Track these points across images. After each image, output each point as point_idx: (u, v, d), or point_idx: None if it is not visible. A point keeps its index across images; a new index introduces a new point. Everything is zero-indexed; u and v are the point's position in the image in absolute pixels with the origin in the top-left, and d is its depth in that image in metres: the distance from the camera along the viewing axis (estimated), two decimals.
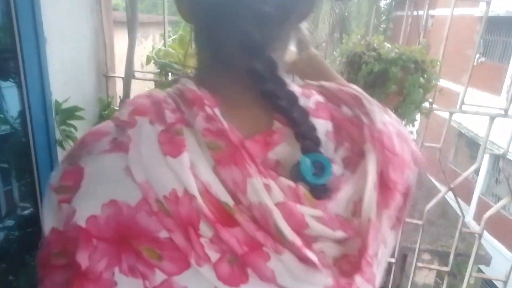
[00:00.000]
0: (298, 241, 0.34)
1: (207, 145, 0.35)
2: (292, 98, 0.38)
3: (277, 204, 0.34)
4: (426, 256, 4.20)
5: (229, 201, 0.34)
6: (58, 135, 1.29)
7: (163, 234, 0.34)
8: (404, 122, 1.22)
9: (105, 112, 1.47)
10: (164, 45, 1.45)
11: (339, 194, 0.37)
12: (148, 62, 1.37)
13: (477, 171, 9.39)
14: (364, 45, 1.15)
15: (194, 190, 0.33)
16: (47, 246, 0.38)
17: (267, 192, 0.34)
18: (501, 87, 8.34)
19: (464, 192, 8.92)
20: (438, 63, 1.16)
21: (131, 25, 1.40)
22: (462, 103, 1.30)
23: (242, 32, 0.35)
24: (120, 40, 1.61)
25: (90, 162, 0.37)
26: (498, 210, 1.42)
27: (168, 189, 0.33)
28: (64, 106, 1.30)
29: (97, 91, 1.49)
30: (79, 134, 1.35)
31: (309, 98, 0.40)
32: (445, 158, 8.85)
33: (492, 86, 8.35)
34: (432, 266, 2.24)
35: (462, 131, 8.91)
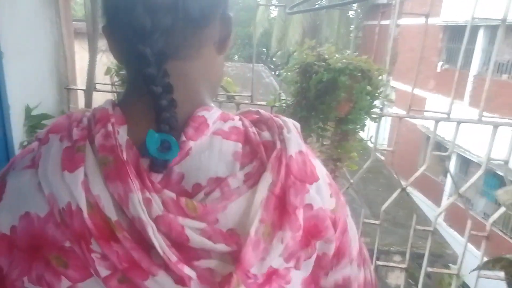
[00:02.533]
0: (173, 257, 0.36)
1: (100, 161, 0.37)
2: (168, 88, 0.39)
3: (156, 218, 0.36)
4: (397, 258, 4.33)
5: (113, 216, 0.36)
6: (24, 139, 1.29)
7: (68, 244, 0.37)
8: (357, 128, 1.30)
9: None
10: None
11: (229, 204, 0.38)
12: (108, 73, 1.39)
13: (446, 174, 9.74)
14: (315, 55, 1.22)
15: (83, 204, 0.36)
16: None
17: (147, 206, 0.36)
18: (464, 92, 8.76)
19: (435, 194, 9.24)
20: (383, 71, 1.24)
21: (92, 37, 1.42)
22: (410, 109, 1.39)
23: (134, 19, 0.37)
24: (82, 51, 1.62)
25: (12, 177, 0.41)
26: (468, 212, 1.50)
27: (65, 202, 0.36)
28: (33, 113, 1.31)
29: (59, 104, 1.49)
30: None
31: (225, 122, 0.42)
32: (415, 162, 9.15)
33: (456, 92, 8.76)
34: (391, 264, 2.32)
35: (430, 135, 9.25)
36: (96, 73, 1.49)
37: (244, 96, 1.49)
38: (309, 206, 0.41)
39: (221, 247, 0.37)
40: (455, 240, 7.13)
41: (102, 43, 1.50)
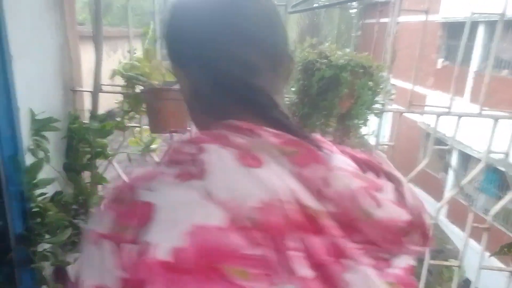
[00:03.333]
0: (387, 220, 0.38)
1: (283, 153, 0.37)
2: (285, 115, 0.43)
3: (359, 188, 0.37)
4: None
5: (313, 204, 0.35)
6: (29, 144, 1.31)
7: (252, 250, 0.32)
8: (359, 123, 1.32)
9: (74, 125, 1.50)
10: (130, 58, 1.49)
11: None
12: (113, 75, 1.42)
13: (446, 170, 9.76)
14: (316, 53, 1.24)
15: (284, 196, 0.34)
16: None
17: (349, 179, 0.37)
18: (464, 89, 8.77)
19: (435, 191, 9.25)
20: (384, 68, 1.26)
21: (97, 39, 1.44)
22: (410, 104, 1.42)
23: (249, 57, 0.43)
24: (87, 54, 1.64)
25: (160, 196, 0.35)
26: (469, 208, 1.52)
27: (256, 199, 0.33)
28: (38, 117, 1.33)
29: (65, 106, 1.52)
30: (50, 146, 1.37)
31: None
32: (415, 159, 9.16)
33: (456, 88, 8.77)
34: None
35: (430, 132, 9.26)
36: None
37: None
38: None
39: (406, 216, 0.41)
40: (456, 236, 7.14)
41: (105, 45, 1.53)
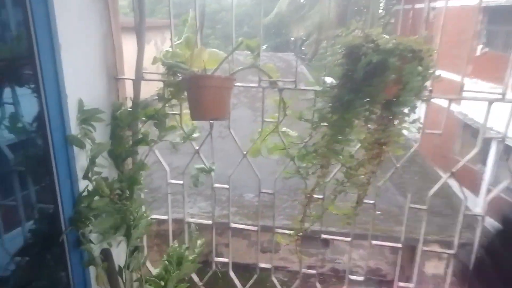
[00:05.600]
0: None
1: None
2: None
3: None
4: (435, 247, 4.22)
5: None
6: (76, 132, 1.35)
7: None
8: (406, 110, 1.27)
9: (118, 113, 1.54)
10: (171, 46, 1.51)
11: None
12: (154, 62, 1.43)
13: (484, 162, 9.34)
14: (362, 37, 1.20)
15: None
16: None
17: None
18: (505, 77, 8.31)
19: (473, 184, 8.89)
20: (435, 51, 1.20)
21: (140, 28, 1.46)
22: (462, 90, 1.35)
23: None
24: (126, 45, 1.67)
25: None
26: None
27: None
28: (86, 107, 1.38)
29: (108, 93, 1.56)
30: (97, 134, 1.41)
31: None
32: (452, 149, 8.82)
33: (496, 76, 8.33)
34: (437, 249, 2.28)
35: (468, 122, 8.88)
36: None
37: (287, 82, 1.49)
38: None
39: None
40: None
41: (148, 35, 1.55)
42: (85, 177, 1.37)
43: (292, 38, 16.87)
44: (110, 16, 1.48)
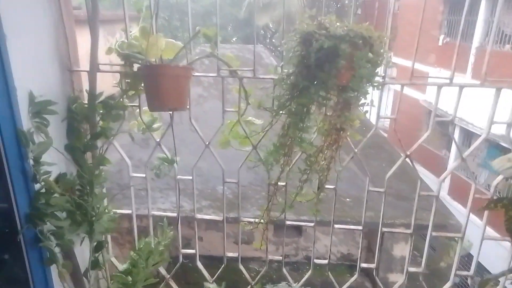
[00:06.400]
0: None
1: None
2: None
3: None
4: (401, 230, 4.39)
5: None
6: (29, 126, 1.30)
7: None
8: (358, 95, 1.31)
9: (74, 106, 1.49)
10: (126, 37, 1.47)
11: None
12: (109, 52, 1.40)
13: (449, 148, 9.73)
14: (316, 24, 1.22)
15: None
16: None
17: None
18: (466, 65, 8.67)
19: (438, 168, 9.28)
20: (385, 37, 1.24)
21: (93, 17, 1.42)
22: (412, 75, 1.40)
23: None
24: (85, 38, 1.61)
25: None
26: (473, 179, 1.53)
27: None
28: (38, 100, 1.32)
29: (63, 86, 1.51)
30: (53, 129, 1.37)
31: None
32: (418, 137, 9.15)
33: (458, 65, 8.69)
34: (396, 230, 2.38)
35: (432, 109, 9.22)
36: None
37: (246, 71, 1.50)
38: None
39: None
40: (459, 212, 7.20)
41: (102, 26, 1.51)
42: (34, 179, 1.32)
43: (262, 31, 16.84)
44: (60, 4, 1.43)
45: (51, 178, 1.38)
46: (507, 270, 1.43)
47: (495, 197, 1.38)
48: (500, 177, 1.46)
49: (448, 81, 1.38)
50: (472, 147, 1.46)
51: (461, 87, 1.38)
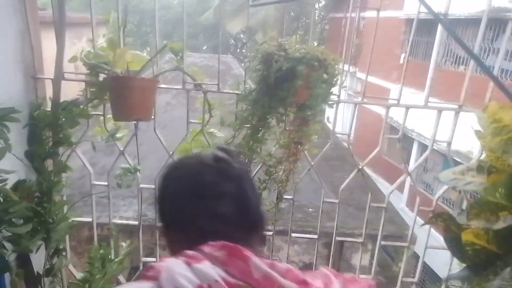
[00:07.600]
0: None
1: (215, 257, 0.60)
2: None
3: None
4: (355, 239, 4.54)
5: (235, 281, 0.57)
6: None
7: None
8: (313, 113, 1.40)
9: (37, 113, 1.49)
10: (93, 47, 1.50)
11: None
12: (73, 61, 1.42)
13: (408, 162, 10.19)
14: (276, 45, 1.31)
15: (215, 277, 0.56)
16: None
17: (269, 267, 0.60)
18: (425, 83, 9.18)
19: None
20: (339, 60, 1.35)
21: (59, 25, 1.43)
22: (364, 95, 1.52)
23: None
24: (50, 41, 1.61)
25: None
26: (417, 191, 1.66)
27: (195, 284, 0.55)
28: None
29: (26, 93, 1.50)
30: (11, 135, 1.36)
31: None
32: (381, 151, 9.53)
33: (418, 83, 9.19)
34: (349, 239, 2.50)
35: (394, 125, 9.68)
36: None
37: (211, 85, 1.56)
38: None
39: None
40: (416, 224, 7.55)
41: (69, 32, 1.52)
42: None
43: (232, 41, 16.96)
44: (26, 11, 1.43)
45: (10, 185, 1.37)
46: (446, 278, 1.57)
47: (437, 212, 1.51)
48: (441, 191, 1.60)
49: (396, 102, 1.50)
50: (417, 163, 1.59)
51: (407, 108, 1.51)
